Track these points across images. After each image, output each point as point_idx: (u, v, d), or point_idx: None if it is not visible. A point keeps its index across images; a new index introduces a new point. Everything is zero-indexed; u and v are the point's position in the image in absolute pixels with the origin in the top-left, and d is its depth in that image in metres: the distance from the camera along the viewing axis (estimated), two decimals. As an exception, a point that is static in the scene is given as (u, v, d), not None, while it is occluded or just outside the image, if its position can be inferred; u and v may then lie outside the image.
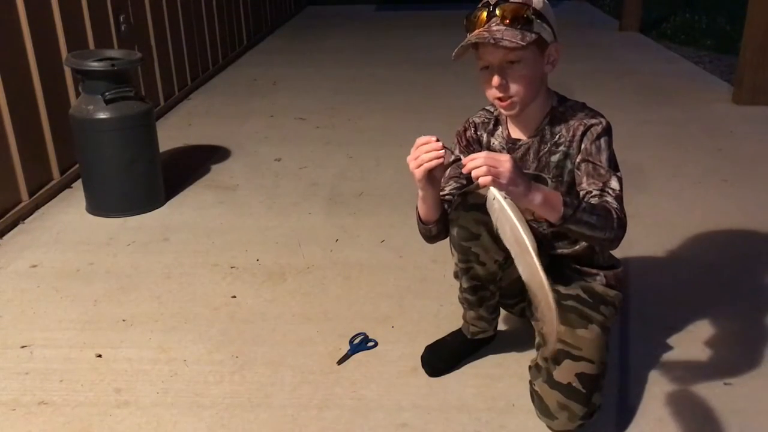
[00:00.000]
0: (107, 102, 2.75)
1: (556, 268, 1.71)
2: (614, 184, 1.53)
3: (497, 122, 1.70)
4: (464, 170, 1.35)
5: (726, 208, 2.85)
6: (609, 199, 1.51)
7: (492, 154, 1.34)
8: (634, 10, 6.80)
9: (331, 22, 7.94)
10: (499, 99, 1.54)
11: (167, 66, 4.46)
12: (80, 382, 1.86)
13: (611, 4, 8.38)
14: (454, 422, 1.68)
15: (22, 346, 2.02)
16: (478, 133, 1.71)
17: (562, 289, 1.68)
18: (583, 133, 1.57)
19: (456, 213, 1.64)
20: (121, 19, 3.79)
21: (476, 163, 1.33)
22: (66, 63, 2.85)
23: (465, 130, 1.73)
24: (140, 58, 2.90)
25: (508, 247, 1.35)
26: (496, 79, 1.51)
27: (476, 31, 1.49)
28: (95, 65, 2.74)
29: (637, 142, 3.60)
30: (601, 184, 1.53)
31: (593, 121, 1.57)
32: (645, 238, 2.56)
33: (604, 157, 1.55)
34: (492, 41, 1.45)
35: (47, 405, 1.77)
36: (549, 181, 1.62)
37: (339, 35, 7.14)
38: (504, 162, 1.33)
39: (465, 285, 1.77)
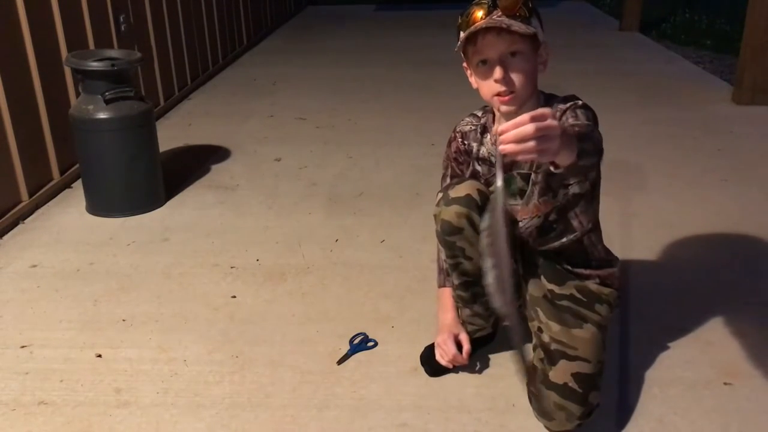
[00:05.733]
0: (107, 102, 2.75)
1: (549, 267, 1.71)
2: (590, 125, 1.46)
3: (484, 129, 1.70)
4: (502, 146, 1.15)
5: (726, 208, 2.85)
6: (580, 116, 1.49)
7: (542, 125, 1.12)
8: (634, 10, 6.79)
9: (331, 22, 7.94)
10: (499, 94, 1.53)
11: (167, 66, 4.46)
12: (80, 382, 1.86)
13: (611, 4, 8.38)
14: (454, 422, 1.68)
15: (22, 346, 2.02)
16: (466, 142, 1.71)
17: (556, 289, 1.68)
18: (563, 113, 1.55)
19: (437, 208, 1.65)
20: (121, 19, 3.79)
21: (525, 133, 1.11)
22: (66, 63, 2.85)
23: (453, 141, 1.75)
24: (140, 58, 2.90)
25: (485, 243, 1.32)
26: (498, 71, 1.49)
27: (481, 21, 1.48)
28: (95, 65, 2.74)
29: (637, 142, 3.60)
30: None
31: (570, 103, 1.57)
32: (645, 238, 2.56)
33: (582, 119, 1.50)
34: (504, 25, 1.45)
35: (47, 405, 1.77)
36: (533, 174, 1.62)
37: (339, 35, 7.14)
38: (554, 136, 1.13)
39: (456, 282, 1.78)
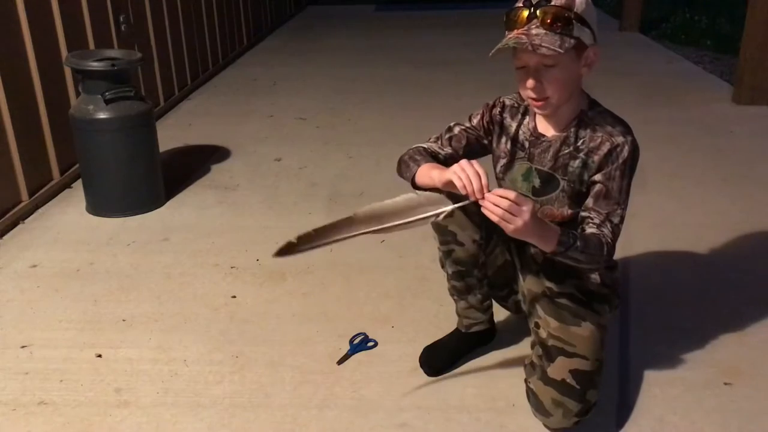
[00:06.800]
0: (107, 102, 2.75)
1: (549, 264, 1.70)
2: (616, 218, 1.55)
3: (526, 111, 1.66)
4: (482, 205, 1.37)
5: (726, 208, 2.85)
6: (606, 230, 1.52)
7: (516, 205, 1.34)
8: (634, 10, 6.80)
9: (331, 22, 7.94)
10: (534, 99, 1.53)
11: (167, 66, 4.46)
12: (80, 382, 1.86)
13: (611, 4, 8.38)
14: (454, 422, 1.68)
15: (22, 346, 2.02)
16: (503, 115, 1.67)
17: (555, 287, 1.68)
18: (609, 152, 1.55)
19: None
20: (121, 19, 3.79)
21: (498, 202, 1.35)
22: (66, 63, 2.85)
23: (492, 107, 1.69)
24: (140, 58, 2.90)
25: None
26: (530, 82, 1.49)
27: (515, 32, 1.46)
28: (95, 65, 2.74)
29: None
30: (604, 215, 1.54)
31: (620, 140, 1.55)
32: (645, 238, 2.56)
33: (623, 184, 1.55)
34: (530, 48, 1.42)
35: (47, 405, 1.77)
36: (561, 181, 1.60)
37: (339, 35, 7.14)
38: (519, 219, 1.34)
39: (450, 270, 1.78)
